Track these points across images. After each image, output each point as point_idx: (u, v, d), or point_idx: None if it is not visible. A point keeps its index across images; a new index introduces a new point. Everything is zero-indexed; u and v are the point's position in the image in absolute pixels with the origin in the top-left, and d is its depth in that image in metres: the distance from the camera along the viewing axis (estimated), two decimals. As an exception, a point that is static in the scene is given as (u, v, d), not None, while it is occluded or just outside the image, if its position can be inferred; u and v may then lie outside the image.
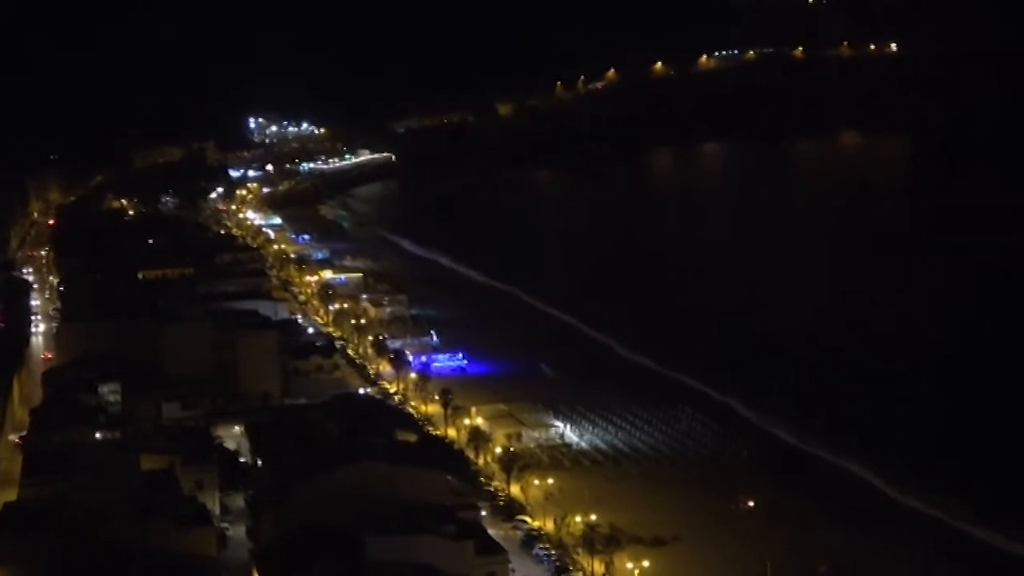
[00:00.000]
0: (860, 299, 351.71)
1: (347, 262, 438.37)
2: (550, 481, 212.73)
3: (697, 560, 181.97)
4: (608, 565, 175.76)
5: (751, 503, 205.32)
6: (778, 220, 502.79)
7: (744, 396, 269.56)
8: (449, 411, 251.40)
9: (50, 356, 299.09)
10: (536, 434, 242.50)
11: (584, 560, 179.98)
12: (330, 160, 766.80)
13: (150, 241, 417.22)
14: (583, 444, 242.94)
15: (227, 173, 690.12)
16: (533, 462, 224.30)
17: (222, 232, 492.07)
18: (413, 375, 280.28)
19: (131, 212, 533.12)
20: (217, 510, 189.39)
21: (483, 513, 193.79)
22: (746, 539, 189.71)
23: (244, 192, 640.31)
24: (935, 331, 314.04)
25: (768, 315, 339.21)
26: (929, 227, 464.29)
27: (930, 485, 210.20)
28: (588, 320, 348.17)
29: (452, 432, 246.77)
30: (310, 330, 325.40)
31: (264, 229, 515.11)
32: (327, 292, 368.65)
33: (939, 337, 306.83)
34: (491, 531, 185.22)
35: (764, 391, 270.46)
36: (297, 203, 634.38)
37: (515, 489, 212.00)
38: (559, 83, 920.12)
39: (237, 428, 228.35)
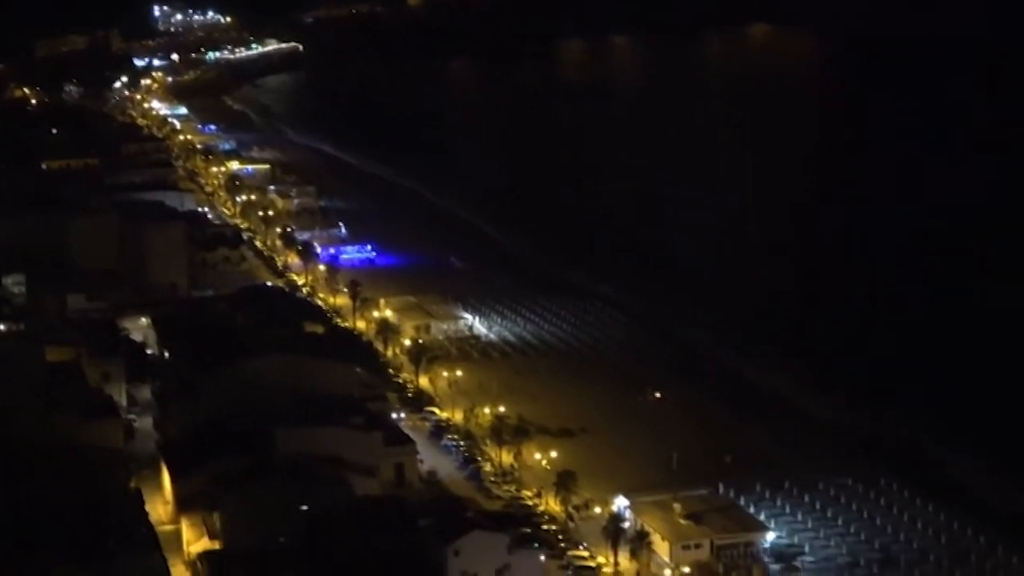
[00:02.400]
0: (767, 205, 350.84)
1: (254, 153, 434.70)
2: (458, 373, 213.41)
3: (604, 451, 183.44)
4: (516, 455, 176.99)
5: (658, 396, 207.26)
6: (688, 122, 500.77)
7: (648, 293, 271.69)
8: (357, 303, 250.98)
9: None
10: (445, 326, 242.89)
11: (492, 450, 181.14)
12: (236, 50, 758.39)
13: (54, 131, 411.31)
14: (492, 336, 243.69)
15: (132, 62, 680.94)
16: (442, 354, 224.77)
17: (127, 122, 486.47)
18: (321, 267, 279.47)
19: (34, 102, 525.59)
20: (124, 402, 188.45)
21: (393, 406, 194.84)
22: (653, 431, 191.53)
23: (149, 82, 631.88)
24: (837, 237, 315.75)
25: (676, 219, 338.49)
26: (839, 132, 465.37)
27: (828, 385, 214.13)
28: (494, 218, 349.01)
29: (361, 324, 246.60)
30: (217, 222, 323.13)
31: (170, 119, 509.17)
32: (234, 183, 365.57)
33: (840, 244, 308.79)
34: (400, 422, 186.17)
35: (670, 288, 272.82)
36: (203, 93, 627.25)
37: (424, 381, 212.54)
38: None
39: (144, 320, 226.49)
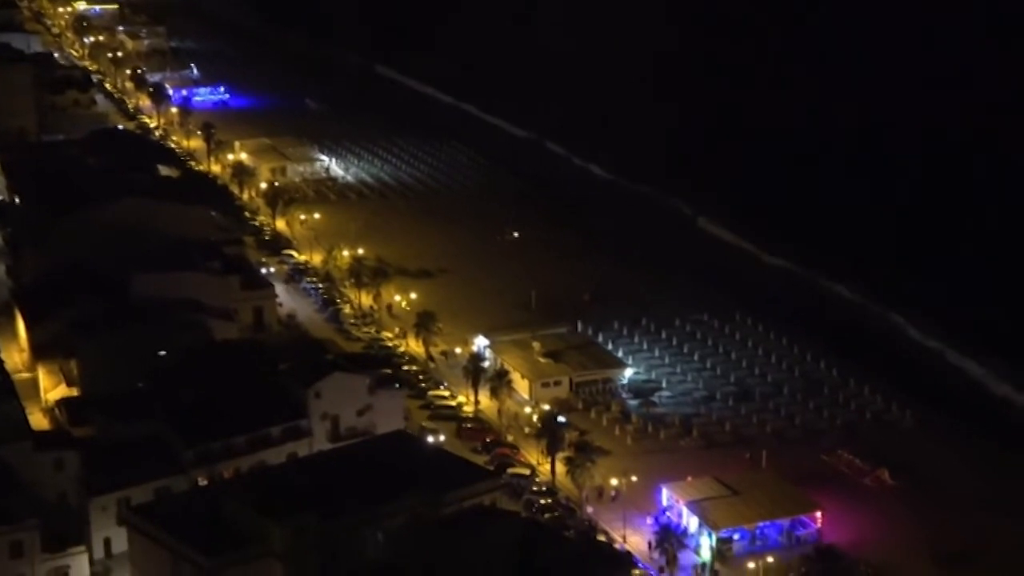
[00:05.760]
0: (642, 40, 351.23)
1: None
2: (316, 215, 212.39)
3: (463, 291, 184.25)
4: (375, 297, 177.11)
5: (516, 235, 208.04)
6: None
7: (507, 132, 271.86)
8: (212, 146, 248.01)
9: None
10: (301, 168, 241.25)
11: (351, 292, 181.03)
12: None
13: None
14: (349, 178, 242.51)
15: None
16: (298, 196, 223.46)
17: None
18: (174, 109, 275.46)
19: None
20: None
21: (250, 249, 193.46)
22: (512, 270, 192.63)
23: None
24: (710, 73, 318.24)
25: (545, 55, 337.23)
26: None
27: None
28: (348, 58, 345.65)
29: (215, 167, 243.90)
30: (65, 64, 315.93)
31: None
32: (82, 24, 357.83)
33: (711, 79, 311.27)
34: (257, 266, 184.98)
35: (528, 126, 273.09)
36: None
37: (281, 224, 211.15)
38: None
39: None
